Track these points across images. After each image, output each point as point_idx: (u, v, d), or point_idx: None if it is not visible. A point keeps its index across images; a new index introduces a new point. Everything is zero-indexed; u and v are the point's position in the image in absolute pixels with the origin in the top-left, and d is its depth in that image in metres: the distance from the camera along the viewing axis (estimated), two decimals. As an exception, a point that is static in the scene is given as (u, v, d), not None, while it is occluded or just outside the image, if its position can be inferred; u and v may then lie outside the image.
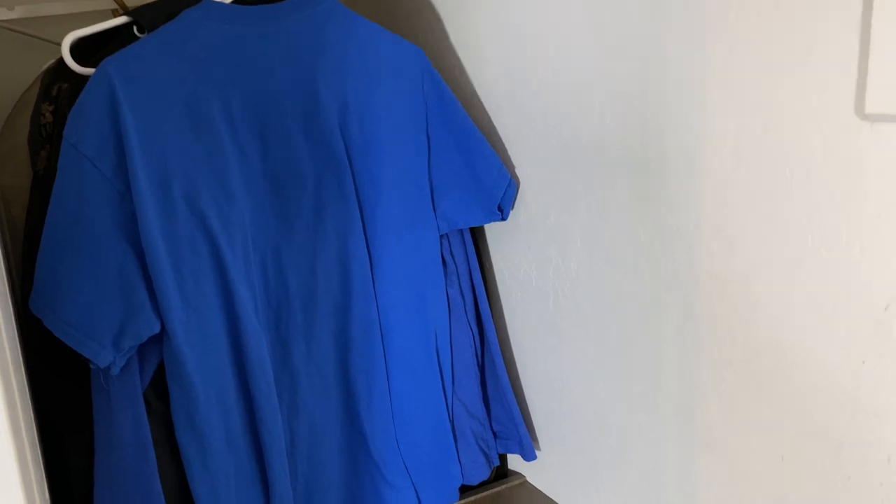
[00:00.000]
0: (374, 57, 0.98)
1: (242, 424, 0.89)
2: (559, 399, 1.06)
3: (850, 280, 0.64)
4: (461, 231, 1.08)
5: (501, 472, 1.20)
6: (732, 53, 0.70)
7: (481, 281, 1.10)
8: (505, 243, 1.11)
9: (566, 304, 1.00)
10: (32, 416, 0.61)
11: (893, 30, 0.56)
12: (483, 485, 1.15)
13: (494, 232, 1.12)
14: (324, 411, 0.98)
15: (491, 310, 1.12)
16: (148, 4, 0.94)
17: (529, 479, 1.17)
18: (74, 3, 1.32)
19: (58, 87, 0.94)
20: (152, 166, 0.81)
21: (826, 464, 0.69)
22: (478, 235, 1.15)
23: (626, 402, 0.93)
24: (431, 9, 1.14)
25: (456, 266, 1.07)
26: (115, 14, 1.18)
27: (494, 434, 1.13)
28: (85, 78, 0.83)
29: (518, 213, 1.06)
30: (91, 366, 0.80)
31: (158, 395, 0.85)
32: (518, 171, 1.04)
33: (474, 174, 1.02)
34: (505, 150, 1.05)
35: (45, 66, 1.02)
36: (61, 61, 0.90)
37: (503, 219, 1.04)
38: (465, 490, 1.12)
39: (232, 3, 0.92)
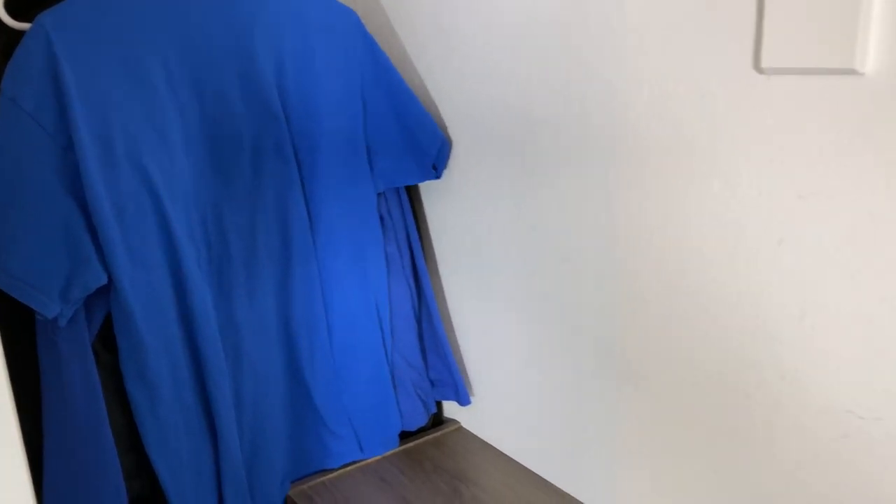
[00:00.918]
0: (308, 17, 1.00)
1: (190, 376, 0.92)
2: (490, 347, 1.13)
3: (749, 218, 0.72)
4: (397, 190, 1.12)
5: (438, 419, 1.27)
6: (645, 14, 0.77)
7: (417, 238, 1.15)
8: (439, 201, 1.16)
9: (497, 257, 1.07)
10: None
11: (784, -7, 0.63)
12: (421, 431, 1.21)
13: (429, 190, 1.17)
14: (267, 364, 1.02)
15: (427, 265, 1.17)
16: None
17: (464, 425, 1.24)
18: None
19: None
20: (94, 122, 0.82)
21: (730, 385, 0.78)
22: (413, 194, 1.20)
23: (550, 345, 1.00)
24: (364, -27, 1.17)
25: (393, 223, 1.12)
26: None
27: (431, 382, 1.19)
28: (20, 33, 0.83)
29: (451, 172, 1.11)
30: (38, 318, 0.82)
31: (106, 347, 0.87)
32: (451, 132, 1.09)
33: (409, 134, 1.06)
34: (437, 111, 1.10)
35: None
36: (-6, 16, 0.89)
37: (437, 177, 1.09)
38: (404, 436, 1.18)
39: (168, -38, 0.93)
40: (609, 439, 0.94)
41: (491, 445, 1.18)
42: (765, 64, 0.66)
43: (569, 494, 1.03)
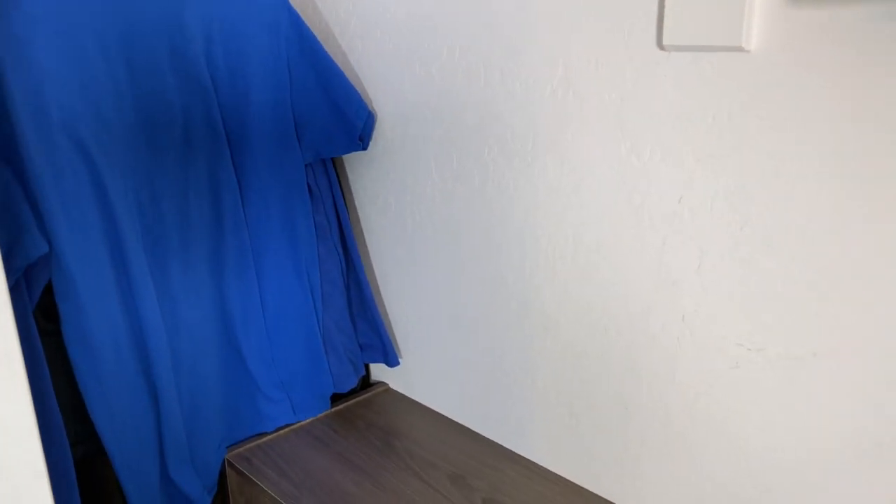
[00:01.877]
0: (236, -8, 1.03)
1: (130, 340, 0.94)
2: (417, 311, 1.19)
3: (652, 180, 0.82)
4: (324, 161, 1.16)
5: (366, 382, 1.32)
6: (562, -3, 0.85)
7: (345, 208, 1.19)
8: (365, 173, 1.21)
9: (421, 224, 1.13)
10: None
11: (682, -21, 0.72)
12: (351, 393, 1.27)
13: (355, 163, 1.22)
14: (203, 331, 1.04)
15: (355, 234, 1.22)
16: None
17: (392, 386, 1.30)
18: None
19: None
20: (29, 93, 0.82)
21: (638, 328, 0.88)
22: (339, 166, 1.24)
23: (474, 304, 1.08)
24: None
25: (321, 194, 1.16)
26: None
27: (361, 346, 1.24)
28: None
29: (377, 144, 1.16)
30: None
31: (46, 315, 0.88)
32: (375, 105, 1.14)
33: (335, 106, 1.10)
34: (362, 85, 1.15)
35: None
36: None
37: (364, 148, 1.14)
38: (335, 399, 1.23)
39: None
40: (529, 385, 1.03)
41: (419, 403, 1.25)
42: (666, 42, 0.75)
43: (494, 441, 1.12)
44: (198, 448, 1.04)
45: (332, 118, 1.11)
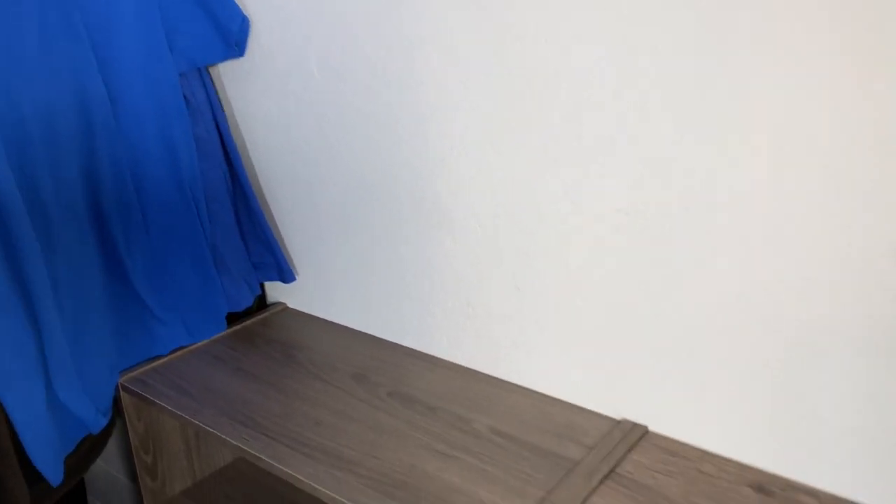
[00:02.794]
0: None
1: (4, 265, 0.88)
2: (309, 224, 1.18)
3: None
4: (199, 71, 1.11)
5: (262, 303, 1.30)
6: None
7: (225, 119, 1.15)
8: (245, 86, 1.16)
9: (308, 131, 1.11)
10: None
11: None
12: (248, 314, 1.24)
13: (233, 76, 1.17)
14: (82, 251, 0.99)
15: (238, 150, 1.19)
16: None
17: (290, 305, 1.29)
18: None
19: None
20: None
21: (526, 208, 0.90)
22: (217, 82, 1.19)
23: (369, 207, 1.07)
24: None
25: (198, 105, 1.11)
26: None
27: (254, 265, 1.22)
28: None
29: (253, 54, 1.12)
30: None
31: None
32: (248, 11, 1.10)
33: (208, 11, 1.05)
34: (234, -10, 1.10)
35: None
36: None
37: (241, 54, 1.10)
38: (231, 320, 1.20)
39: None
40: (427, 283, 1.04)
41: (319, 317, 1.24)
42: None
43: (396, 343, 1.13)
44: (88, 371, 1.00)
45: (205, 23, 1.06)
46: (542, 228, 0.89)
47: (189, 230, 1.11)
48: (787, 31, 0.66)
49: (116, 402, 1.07)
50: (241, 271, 1.19)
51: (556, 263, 0.90)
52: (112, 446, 1.32)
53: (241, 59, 1.13)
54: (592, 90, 0.79)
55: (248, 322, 1.22)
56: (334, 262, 1.17)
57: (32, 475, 0.95)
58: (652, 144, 0.77)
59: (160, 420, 1.12)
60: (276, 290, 1.30)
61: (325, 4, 1.00)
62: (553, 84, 0.82)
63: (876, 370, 0.69)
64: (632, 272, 0.83)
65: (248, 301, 1.21)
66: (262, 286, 1.28)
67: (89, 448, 1.05)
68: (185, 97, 1.09)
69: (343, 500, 0.78)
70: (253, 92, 1.15)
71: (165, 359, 1.11)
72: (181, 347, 1.13)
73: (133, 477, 1.31)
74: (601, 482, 0.79)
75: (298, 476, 0.82)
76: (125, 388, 1.05)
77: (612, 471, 0.81)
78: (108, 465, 1.37)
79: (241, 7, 1.09)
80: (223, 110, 1.16)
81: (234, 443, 0.89)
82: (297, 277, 1.24)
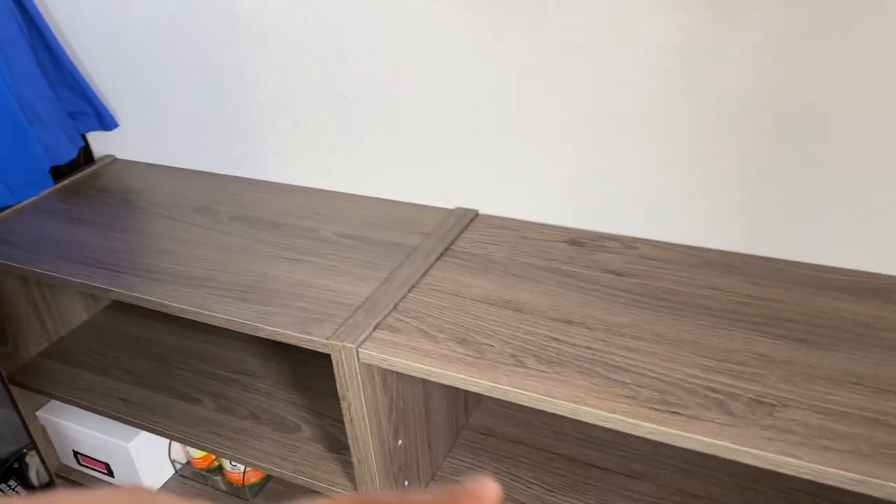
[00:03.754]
0: None
1: None
2: (122, 63, 1.12)
3: None
4: None
5: (90, 156, 1.25)
6: None
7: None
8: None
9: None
10: None
11: None
12: (76, 168, 1.19)
13: None
14: None
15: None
16: None
17: (120, 156, 1.24)
18: None
19: None
20: None
21: (339, 11, 0.91)
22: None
23: (180, 33, 1.03)
24: None
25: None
26: None
27: (71, 115, 1.16)
28: None
29: None
30: None
31: None
32: None
33: None
34: None
35: None
36: None
37: None
38: (58, 176, 1.15)
39: None
40: (254, 105, 1.04)
41: (151, 164, 1.21)
42: None
43: (235, 176, 1.13)
44: None
45: None
46: (354, 28, 0.91)
47: (-17, 77, 1.02)
48: None
49: (-56, 270, 1.02)
50: (56, 121, 1.13)
51: (376, 64, 0.92)
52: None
53: None
54: None
55: (77, 176, 1.18)
56: (157, 103, 1.13)
57: None
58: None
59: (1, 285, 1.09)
60: (102, 143, 1.24)
61: None
62: None
63: (654, 143, 0.79)
64: (449, 68, 0.87)
65: (70, 153, 1.15)
66: (86, 139, 1.23)
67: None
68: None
69: (195, 309, 0.81)
70: (30, -79, 1.05)
71: (-10, 220, 1.06)
72: (6, 207, 1.08)
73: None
74: (438, 258, 0.86)
75: (149, 297, 0.84)
76: (-50, 253, 1.00)
77: (447, 249, 0.88)
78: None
79: None
80: (-1, -56, 1.05)
81: (78, 281, 0.89)
82: (119, 124, 1.19)
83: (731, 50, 0.72)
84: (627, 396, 0.63)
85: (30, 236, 1.01)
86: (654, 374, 0.65)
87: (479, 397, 1.04)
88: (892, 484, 0.53)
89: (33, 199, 1.11)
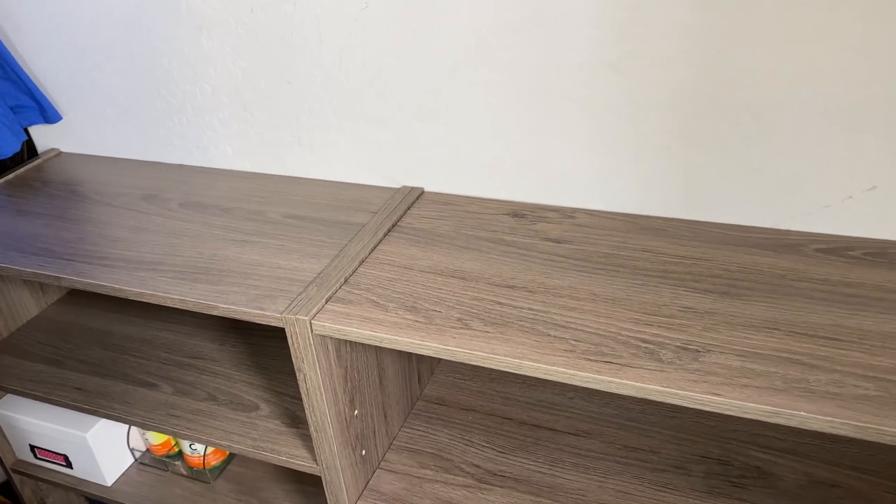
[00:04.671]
0: None
1: None
2: (63, 55, 1.12)
3: None
4: None
5: (34, 150, 1.24)
6: None
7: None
8: None
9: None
10: None
11: None
12: (19, 163, 1.19)
13: None
14: None
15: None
16: None
17: (64, 149, 1.24)
18: None
19: None
20: None
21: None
22: None
23: (122, 23, 1.04)
24: None
25: None
26: None
27: (13, 109, 1.15)
28: None
29: None
30: None
31: None
32: None
33: None
34: None
35: None
36: None
37: None
38: (2, 171, 1.15)
39: None
40: (198, 92, 1.05)
41: (96, 156, 1.21)
42: None
43: (181, 164, 1.14)
44: None
45: None
46: (299, 15, 0.93)
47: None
48: None
49: None
50: (-2, 117, 1.13)
51: (318, 49, 0.94)
52: None
53: None
54: None
55: (21, 170, 1.17)
56: (101, 95, 1.13)
57: None
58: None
59: (-56, 278, 1.08)
60: (46, 137, 1.24)
61: None
62: None
63: (590, 119, 0.83)
64: (387, 47, 0.90)
65: (13, 146, 1.15)
66: (28, 133, 1.22)
67: None
68: None
69: (150, 292, 0.83)
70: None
71: (-67, 216, 1.05)
72: (-51, 203, 1.08)
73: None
74: (386, 234, 0.90)
75: (103, 283, 0.85)
76: None
77: (394, 225, 0.92)
78: None
79: None
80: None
81: (30, 270, 0.89)
82: (63, 117, 1.19)
83: (662, 27, 0.77)
84: (566, 350, 0.67)
85: (-24, 230, 1.00)
86: (590, 330, 0.69)
87: (431, 369, 1.08)
88: (802, 413, 0.58)
89: (-23, 193, 1.11)
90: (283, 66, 0.98)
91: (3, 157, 1.13)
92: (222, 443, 0.93)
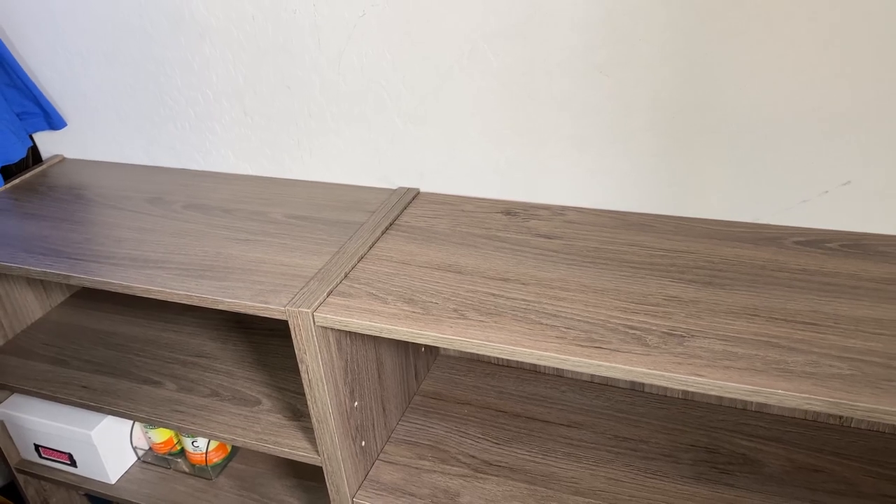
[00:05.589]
0: None
1: None
2: (68, 62, 1.15)
3: None
4: None
5: (39, 157, 1.28)
6: None
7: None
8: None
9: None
10: None
11: None
12: (25, 168, 1.22)
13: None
14: None
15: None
16: None
17: (69, 155, 1.27)
18: None
19: None
20: None
21: (279, 7, 0.96)
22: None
23: (125, 31, 1.08)
24: None
25: None
26: None
27: (19, 116, 1.18)
28: None
29: None
30: None
31: None
32: None
33: None
34: None
35: None
36: None
37: None
38: (7, 176, 1.18)
39: None
40: (200, 97, 1.09)
41: (100, 161, 1.24)
42: None
43: (184, 168, 1.17)
44: None
45: None
46: (298, 22, 0.97)
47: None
48: None
49: None
50: (4, 122, 1.16)
51: (317, 55, 0.98)
52: None
53: None
54: None
55: (27, 175, 1.20)
56: (104, 101, 1.17)
57: None
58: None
59: (-47, 279, 1.11)
60: (51, 143, 1.27)
61: None
62: None
63: (577, 119, 0.87)
64: (384, 53, 0.94)
65: (19, 153, 1.18)
66: (34, 140, 1.25)
67: None
68: None
69: (157, 288, 0.86)
70: (-29, -74, 1.08)
71: (-58, 219, 1.08)
72: (-43, 207, 1.11)
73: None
74: (384, 232, 0.93)
75: (110, 280, 0.88)
76: None
77: (392, 223, 0.95)
78: None
79: None
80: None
81: (39, 269, 0.92)
82: (67, 123, 1.22)
83: (646, 32, 0.81)
84: (557, 337, 0.70)
85: (-15, 232, 1.03)
86: (580, 318, 0.73)
87: (427, 366, 1.11)
88: (780, 391, 0.62)
89: (-16, 198, 1.13)
90: (283, 72, 1.01)
91: (9, 163, 1.16)
92: (226, 436, 0.96)
